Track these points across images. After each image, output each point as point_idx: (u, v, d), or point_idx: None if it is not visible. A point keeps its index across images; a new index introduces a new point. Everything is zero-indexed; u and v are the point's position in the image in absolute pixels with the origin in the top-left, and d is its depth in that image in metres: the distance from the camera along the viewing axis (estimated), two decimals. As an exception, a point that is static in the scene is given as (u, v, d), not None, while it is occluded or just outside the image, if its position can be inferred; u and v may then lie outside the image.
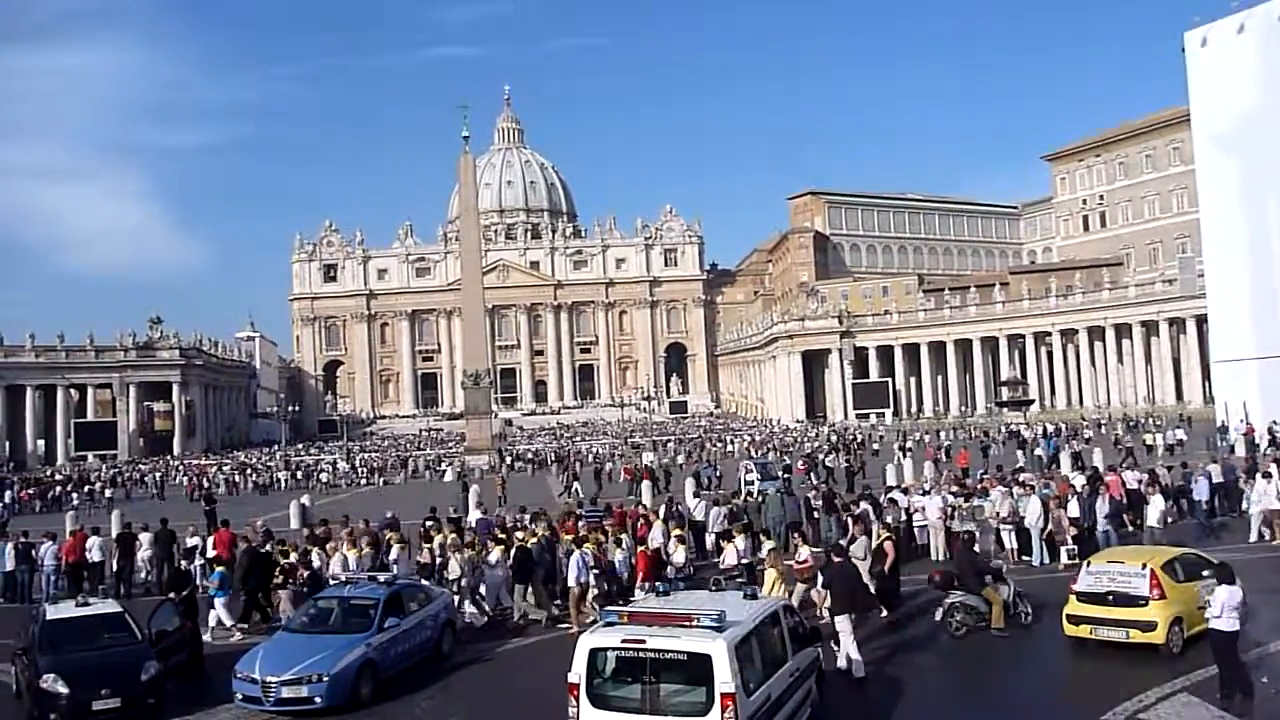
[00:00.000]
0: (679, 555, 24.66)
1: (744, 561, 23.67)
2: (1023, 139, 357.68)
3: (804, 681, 14.15)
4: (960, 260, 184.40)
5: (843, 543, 22.68)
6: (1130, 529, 29.06)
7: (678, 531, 25.93)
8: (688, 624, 12.14)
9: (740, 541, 24.44)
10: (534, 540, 24.72)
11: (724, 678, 11.53)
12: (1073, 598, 18.47)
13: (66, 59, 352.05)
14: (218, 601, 22.96)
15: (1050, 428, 78.40)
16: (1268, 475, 29.25)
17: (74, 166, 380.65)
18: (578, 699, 12.05)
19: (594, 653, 12.24)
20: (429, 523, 29.20)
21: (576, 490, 50.87)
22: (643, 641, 12.02)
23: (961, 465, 48.85)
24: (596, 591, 22.62)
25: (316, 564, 24.52)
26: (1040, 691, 17.06)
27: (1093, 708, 15.05)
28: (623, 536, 25.05)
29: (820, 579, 18.07)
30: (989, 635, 19.49)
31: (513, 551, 23.59)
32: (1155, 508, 27.48)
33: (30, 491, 67.84)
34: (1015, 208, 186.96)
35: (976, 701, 16.70)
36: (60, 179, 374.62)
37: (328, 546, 26.16)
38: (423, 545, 26.50)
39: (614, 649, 12.24)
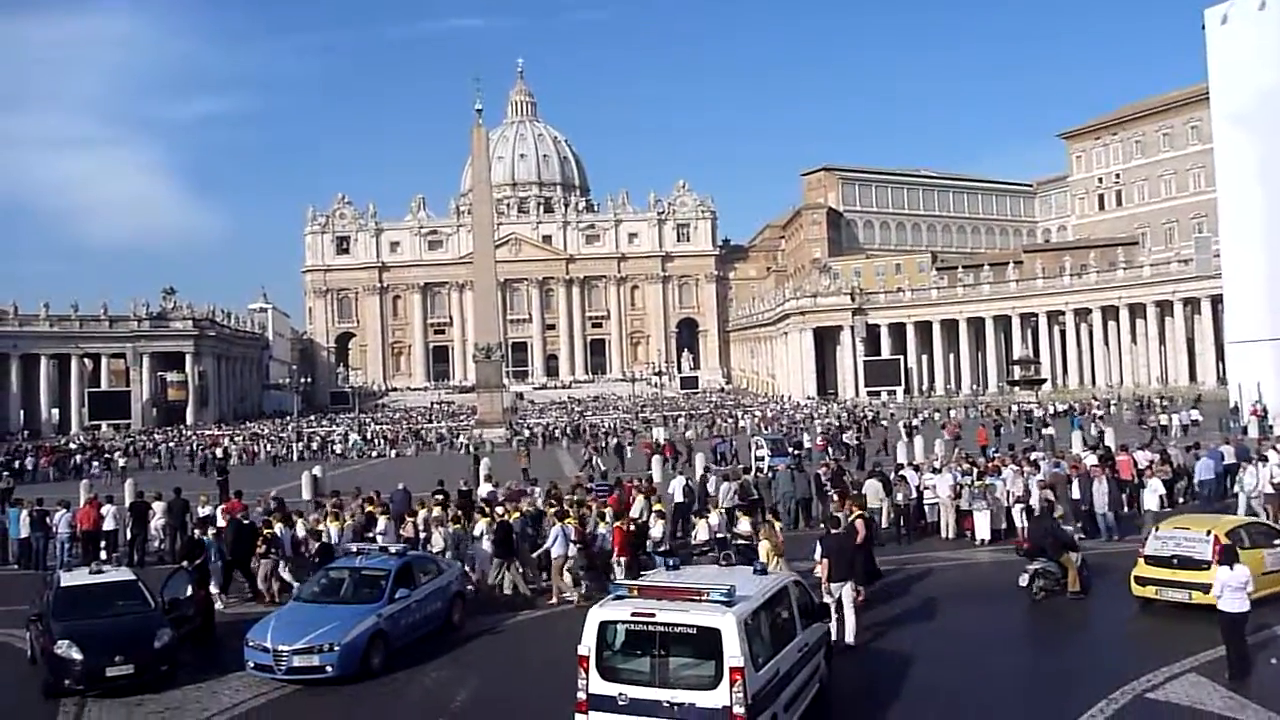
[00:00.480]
0: (656, 530, 24.74)
1: (718, 537, 23.77)
2: (1039, 116, 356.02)
3: (813, 656, 14.17)
4: (974, 238, 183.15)
5: (839, 515, 22.87)
6: (1127, 510, 28.94)
7: (658, 507, 26.02)
8: (697, 598, 12.14)
9: (714, 518, 24.62)
10: (517, 515, 24.75)
11: (733, 652, 11.53)
12: (1141, 561, 19.61)
13: (80, 28, 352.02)
14: None
15: (1062, 407, 78.19)
16: (1264, 459, 28.99)
17: (88, 136, 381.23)
18: (587, 671, 12.11)
19: (604, 625, 12.27)
20: (437, 495, 29.29)
21: (597, 464, 50.96)
22: (652, 615, 12.04)
23: (981, 443, 48.79)
24: (572, 564, 22.77)
25: (284, 533, 24.41)
26: (1045, 669, 17.03)
27: (1102, 685, 15.02)
28: (606, 511, 25.11)
29: (819, 548, 18.39)
30: (996, 604, 20.53)
31: (494, 526, 23.62)
32: (1153, 490, 27.31)
33: (50, 459, 68.61)
34: (1030, 186, 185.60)
35: (978, 676, 16.70)
36: (74, 149, 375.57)
37: (310, 519, 26.24)
38: (406, 519, 26.43)
39: (624, 622, 12.25)
